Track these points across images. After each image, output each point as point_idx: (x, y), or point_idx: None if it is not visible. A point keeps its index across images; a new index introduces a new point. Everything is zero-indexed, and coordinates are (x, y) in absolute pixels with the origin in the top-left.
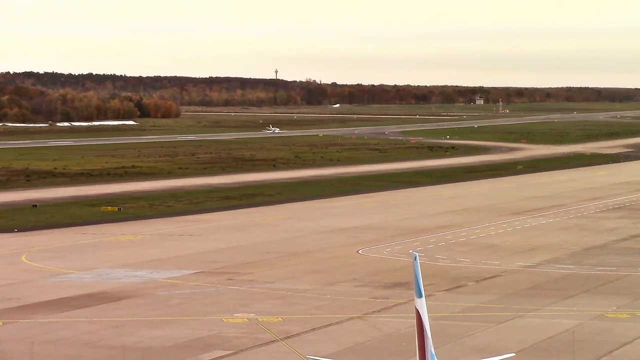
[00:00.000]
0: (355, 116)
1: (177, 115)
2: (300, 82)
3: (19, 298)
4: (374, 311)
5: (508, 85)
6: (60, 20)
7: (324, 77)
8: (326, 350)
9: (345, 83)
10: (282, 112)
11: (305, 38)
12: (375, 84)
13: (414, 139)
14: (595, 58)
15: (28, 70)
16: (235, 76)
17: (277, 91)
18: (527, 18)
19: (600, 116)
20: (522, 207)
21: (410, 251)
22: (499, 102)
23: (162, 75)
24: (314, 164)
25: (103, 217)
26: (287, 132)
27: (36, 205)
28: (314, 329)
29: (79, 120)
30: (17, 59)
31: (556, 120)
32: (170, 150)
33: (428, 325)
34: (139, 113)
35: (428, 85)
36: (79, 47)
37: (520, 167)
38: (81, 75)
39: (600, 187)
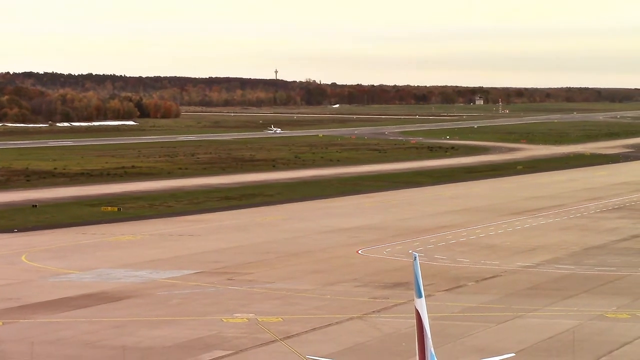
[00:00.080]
0: (355, 116)
1: (177, 115)
2: (300, 82)
3: (19, 298)
4: (374, 311)
5: (508, 86)
6: (60, 20)
7: (324, 77)
8: (326, 351)
9: (345, 83)
10: (281, 113)
11: (305, 38)
12: (375, 84)
13: (413, 139)
14: (595, 58)
15: (28, 70)
16: (235, 76)
17: (276, 91)
18: (527, 18)
19: (600, 116)
20: (522, 207)
21: (410, 251)
22: (498, 102)
23: (161, 76)
24: (313, 164)
25: (103, 217)
26: (288, 133)
27: (36, 206)
28: (313, 329)
29: (78, 121)
30: (16, 59)
31: (556, 121)
32: (170, 150)
33: (428, 325)
34: (138, 113)
35: (428, 85)
36: (79, 47)
37: (520, 167)
38: (81, 76)
39: (600, 188)
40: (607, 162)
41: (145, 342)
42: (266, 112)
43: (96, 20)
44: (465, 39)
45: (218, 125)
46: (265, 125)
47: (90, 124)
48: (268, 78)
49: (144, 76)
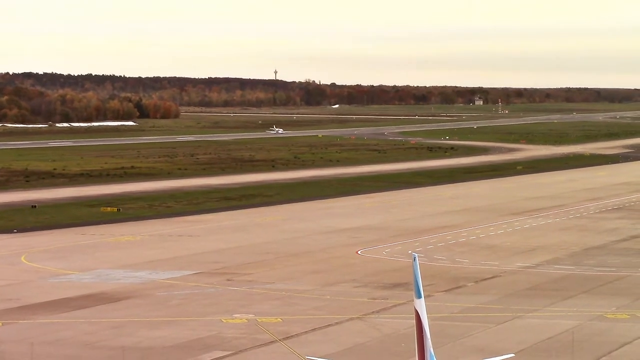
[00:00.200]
0: (354, 117)
1: (177, 115)
2: (300, 82)
3: (19, 299)
4: (373, 312)
5: (507, 86)
6: (60, 20)
7: (323, 77)
8: (325, 351)
9: (344, 83)
10: (281, 113)
11: (304, 38)
12: (375, 85)
13: (413, 140)
14: (594, 58)
15: (27, 70)
16: (234, 77)
17: (276, 92)
18: (527, 18)
19: (600, 117)
20: (522, 208)
21: (410, 252)
22: (498, 102)
23: (161, 76)
24: (313, 165)
25: (102, 218)
26: (289, 133)
27: (35, 206)
28: (313, 330)
29: (78, 121)
30: (16, 59)
31: (555, 121)
32: (170, 150)
33: (427, 325)
34: (138, 114)
35: (427, 85)
36: (78, 47)
37: (520, 167)
38: (80, 76)
39: (599, 188)
40: (607, 163)
41: (144, 343)
42: (266, 113)
43: (96, 20)
44: (465, 39)
45: (217, 126)
46: (265, 125)
47: (89, 124)
48: (267, 78)
49: (143, 76)
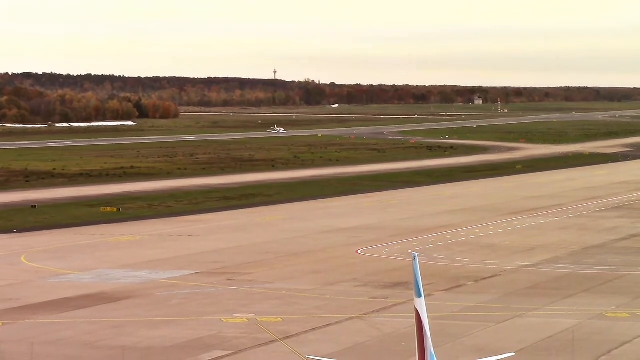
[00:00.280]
0: (354, 116)
1: (176, 115)
2: (299, 82)
3: (19, 299)
4: (373, 311)
5: (507, 85)
6: (59, 20)
7: (323, 77)
8: (326, 350)
9: (344, 83)
10: (281, 113)
11: (304, 38)
12: (374, 84)
13: (412, 139)
14: (594, 58)
15: (27, 71)
16: (234, 76)
17: (275, 91)
18: (526, 18)
19: (599, 116)
20: (521, 207)
21: (410, 251)
22: (497, 101)
23: (160, 76)
24: (313, 164)
25: (102, 218)
26: (289, 132)
27: (35, 206)
28: (313, 329)
29: (77, 121)
30: (16, 59)
31: (555, 120)
32: (169, 150)
33: (427, 325)
34: (137, 114)
35: (427, 85)
36: (78, 47)
37: (519, 166)
38: (80, 76)
39: (599, 187)
40: (606, 162)
41: (144, 343)
42: (265, 112)
43: (95, 20)
44: (465, 39)
45: (217, 126)
46: (265, 125)
47: (89, 124)
48: (267, 78)
49: (142, 76)
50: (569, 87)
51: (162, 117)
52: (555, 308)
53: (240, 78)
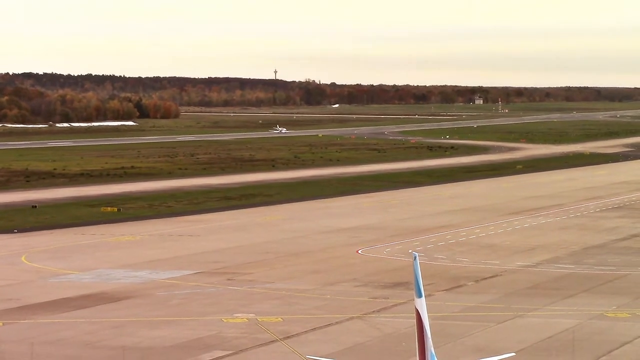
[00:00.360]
0: (354, 116)
1: (177, 115)
2: (300, 82)
3: (19, 299)
4: (373, 311)
5: (507, 85)
6: (60, 20)
7: (323, 77)
8: (326, 350)
9: (344, 83)
10: (281, 113)
11: (304, 38)
12: (375, 84)
13: (413, 139)
14: (594, 58)
15: (27, 71)
16: (234, 76)
17: (276, 91)
18: (527, 18)
19: (600, 116)
20: (522, 207)
21: (410, 251)
22: (498, 101)
23: (161, 76)
24: (313, 164)
25: (102, 218)
26: (290, 132)
27: (36, 206)
28: (313, 329)
29: (78, 121)
30: (16, 59)
31: (555, 120)
32: (170, 150)
33: (428, 325)
34: (138, 114)
35: (427, 85)
36: (78, 47)
37: (520, 166)
38: (80, 76)
39: (599, 187)
40: (607, 162)
41: (145, 343)
42: (265, 112)
43: (95, 20)
44: (465, 38)
45: (217, 126)
46: (265, 125)
47: (89, 124)
48: (267, 78)
49: (143, 76)
50: (569, 87)
51: (163, 117)
52: (555, 308)
53: (241, 78)
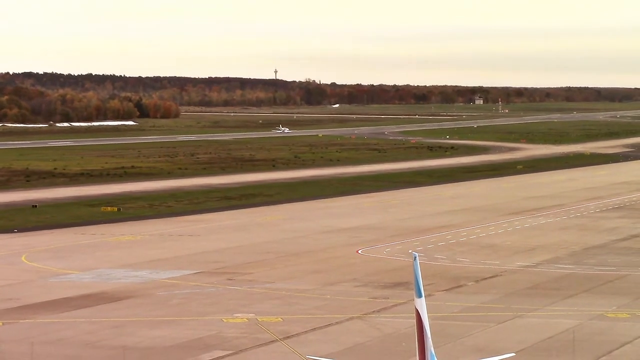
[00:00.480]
0: (354, 116)
1: (177, 115)
2: (300, 82)
3: (19, 298)
4: (373, 311)
5: (507, 85)
6: (60, 20)
7: (324, 77)
8: (326, 351)
9: (344, 83)
10: (281, 113)
11: (304, 38)
12: (375, 84)
13: (413, 139)
14: (594, 58)
15: (27, 70)
16: (234, 76)
17: (276, 91)
18: (527, 18)
19: (600, 116)
20: (522, 207)
21: (410, 251)
22: (498, 102)
23: (161, 76)
24: (313, 164)
25: (103, 218)
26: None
27: (36, 206)
28: (313, 329)
29: (78, 121)
30: (16, 59)
31: (556, 120)
32: (170, 150)
33: (428, 325)
34: (138, 113)
35: (427, 85)
36: (79, 47)
37: (520, 167)
38: (80, 76)
39: (600, 187)
40: (607, 162)
41: (145, 342)
42: (266, 112)
43: (96, 20)
44: (465, 38)
45: (218, 125)
46: (265, 125)
47: (90, 124)
48: (268, 78)
49: (143, 76)
50: (569, 87)
51: (163, 116)
52: (555, 308)
53: (241, 78)
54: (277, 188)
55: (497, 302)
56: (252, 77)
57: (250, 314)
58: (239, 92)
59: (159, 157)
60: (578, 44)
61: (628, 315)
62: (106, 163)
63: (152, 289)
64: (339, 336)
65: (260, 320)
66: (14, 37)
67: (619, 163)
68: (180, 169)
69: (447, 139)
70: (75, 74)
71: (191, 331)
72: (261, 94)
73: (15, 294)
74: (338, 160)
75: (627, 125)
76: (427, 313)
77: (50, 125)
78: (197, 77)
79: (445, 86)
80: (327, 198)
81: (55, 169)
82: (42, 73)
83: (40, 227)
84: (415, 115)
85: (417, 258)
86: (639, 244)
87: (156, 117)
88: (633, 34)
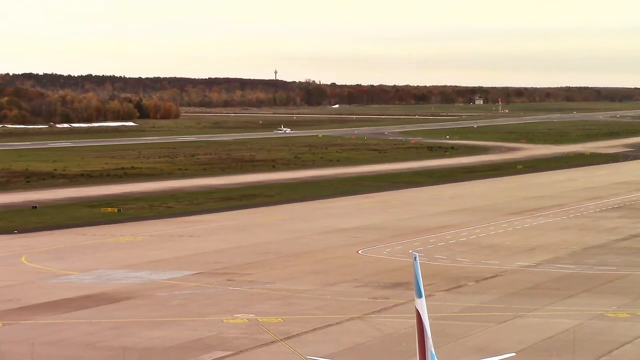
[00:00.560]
0: (354, 116)
1: (177, 116)
2: (300, 82)
3: (19, 299)
4: (374, 311)
5: (507, 85)
6: (60, 21)
7: (324, 77)
8: (326, 351)
9: (344, 83)
10: (281, 113)
11: (304, 38)
12: (375, 84)
13: (413, 139)
14: (594, 58)
15: (27, 71)
16: (234, 77)
17: (276, 92)
18: (527, 18)
19: (600, 116)
20: (522, 207)
21: (410, 251)
22: (498, 102)
23: (161, 76)
24: (313, 165)
25: (103, 218)
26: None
27: (36, 207)
28: (314, 330)
29: (78, 122)
30: (16, 60)
31: (556, 120)
32: (170, 151)
33: (428, 325)
34: (138, 114)
35: (427, 85)
36: (78, 48)
37: (520, 167)
38: (80, 77)
39: (600, 187)
40: (607, 162)
41: (145, 343)
42: (266, 113)
43: (96, 20)
44: (465, 39)
45: (218, 126)
46: (265, 125)
47: (90, 125)
48: (268, 78)
49: (143, 77)
50: (569, 87)
51: (163, 117)
52: (555, 308)
53: (241, 78)
54: (277, 188)
55: (497, 302)
56: (252, 78)
57: (251, 315)
58: (239, 92)
59: (159, 158)
60: (578, 44)
61: (628, 315)
62: (106, 164)
63: (152, 289)
64: (339, 336)
65: (260, 320)
66: (14, 38)
67: (619, 163)
68: (180, 169)
69: (447, 139)
70: (75, 75)
71: (191, 332)
72: (261, 95)
73: (16, 295)
74: (338, 161)
75: (627, 125)
76: (428, 313)
77: (50, 126)
78: (197, 77)
79: (445, 86)
80: (327, 198)
81: (55, 170)
82: (42, 74)
83: (40, 228)
84: (415, 116)
85: (417, 258)
86: (639, 243)
87: (156, 118)
88: (633, 34)
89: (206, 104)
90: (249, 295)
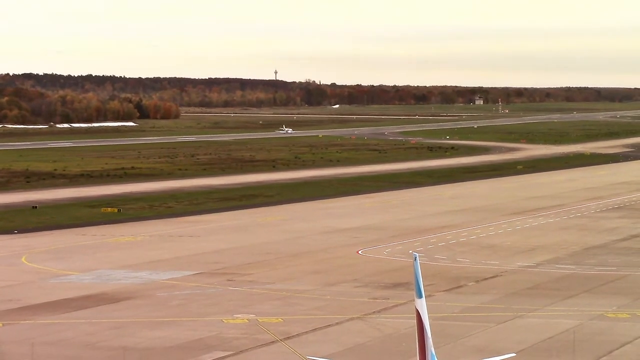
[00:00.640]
0: (354, 117)
1: (177, 116)
2: (300, 82)
3: (19, 299)
4: (374, 312)
5: (507, 85)
6: (60, 21)
7: (324, 77)
8: (326, 351)
9: (344, 84)
10: (281, 113)
11: (304, 38)
12: (375, 85)
13: (413, 140)
14: (594, 58)
15: (27, 71)
16: (234, 77)
17: (276, 92)
18: (527, 18)
19: (600, 116)
20: (522, 207)
21: (410, 251)
22: (498, 102)
23: (161, 77)
24: (313, 165)
25: (103, 218)
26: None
27: (36, 207)
28: (314, 330)
29: (78, 122)
30: (16, 60)
31: (556, 120)
32: (170, 151)
33: (428, 325)
34: (138, 114)
35: (427, 85)
36: (79, 48)
37: (520, 167)
38: (80, 77)
39: (600, 187)
40: (607, 162)
41: (145, 343)
42: (266, 113)
43: (96, 20)
44: (465, 39)
45: (218, 126)
46: (265, 125)
47: (90, 125)
48: (268, 78)
49: (143, 77)
50: (569, 87)
51: (163, 117)
52: (556, 308)
53: (241, 78)
54: (277, 189)
55: (497, 303)
56: (252, 78)
57: (251, 315)
58: (239, 92)
59: (159, 158)
60: (578, 44)
61: (628, 316)
62: (106, 164)
63: (152, 289)
64: (339, 336)
65: (260, 320)
66: (14, 38)
67: (619, 163)
68: (180, 169)
69: (447, 139)
70: (75, 75)
71: (191, 332)
72: (261, 95)
73: (16, 295)
74: (338, 161)
75: (627, 125)
76: (428, 313)
77: (50, 126)
78: (197, 77)
79: (445, 86)
80: (327, 198)
81: (55, 170)
82: (42, 74)
83: (40, 228)
84: (415, 116)
85: (418, 258)
86: (639, 244)
87: (156, 118)
88: (633, 34)
89: (206, 104)
90: (249, 295)
